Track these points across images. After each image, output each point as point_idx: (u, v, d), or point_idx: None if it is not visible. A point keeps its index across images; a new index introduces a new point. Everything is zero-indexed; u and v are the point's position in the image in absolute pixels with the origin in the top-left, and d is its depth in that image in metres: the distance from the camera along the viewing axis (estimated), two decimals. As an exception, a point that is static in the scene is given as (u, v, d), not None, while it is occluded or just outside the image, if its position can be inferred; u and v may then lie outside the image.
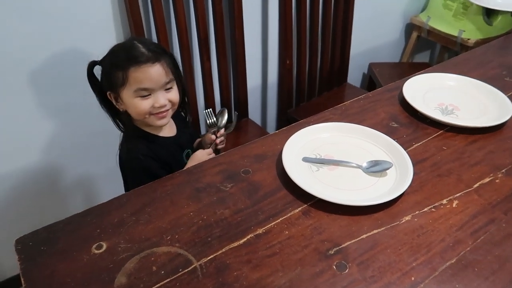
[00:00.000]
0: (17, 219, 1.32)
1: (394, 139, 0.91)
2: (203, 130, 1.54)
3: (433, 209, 0.76)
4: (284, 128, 0.97)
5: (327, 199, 0.74)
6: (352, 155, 0.87)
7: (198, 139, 1.14)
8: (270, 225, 0.72)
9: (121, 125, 0.99)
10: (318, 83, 1.79)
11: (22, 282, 0.63)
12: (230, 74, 1.53)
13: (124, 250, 0.67)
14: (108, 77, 0.89)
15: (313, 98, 1.78)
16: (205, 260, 0.66)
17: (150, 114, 0.90)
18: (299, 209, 0.75)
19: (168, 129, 1.00)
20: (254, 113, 1.68)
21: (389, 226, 0.72)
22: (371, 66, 1.99)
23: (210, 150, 1.01)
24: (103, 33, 1.22)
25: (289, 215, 0.74)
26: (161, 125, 0.95)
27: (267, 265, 0.65)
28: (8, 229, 1.31)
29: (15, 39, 1.09)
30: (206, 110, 1.07)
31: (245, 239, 0.70)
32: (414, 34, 2.06)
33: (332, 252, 0.68)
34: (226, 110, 1.08)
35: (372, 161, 0.85)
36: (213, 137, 1.05)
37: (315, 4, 1.56)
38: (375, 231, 0.71)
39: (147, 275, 0.64)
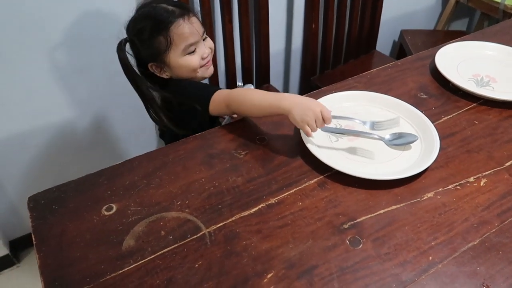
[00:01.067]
0: (41, 176, 1.35)
1: (421, 111, 0.85)
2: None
3: (458, 187, 0.71)
4: (305, 94, 0.92)
5: (345, 171, 0.71)
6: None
7: None
8: (283, 195, 0.70)
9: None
10: (345, 50, 1.70)
11: (33, 239, 0.63)
12: (252, 37, 1.47)
13: (134, 213, 0.67)
14: (147, 48, 0.84)
15: (338, 65, 1.70)
16: (214, 227, 0.64)
17: (201, 66, 0.89)
18: (315, 180, 0.72)
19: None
20: (276, 79, 1.63)
21: (409, 202, 0.68)
22: (403, 33, 1.88)
23: None
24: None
25: (303, 186, 0.71)
26: (210, 74, 0.94)
27: (278, 236, 0.63)
28: (32, 185, 1.34)
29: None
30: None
31: (256, 208, 0.67)
32: (452, 0, 1.91)
33: (346, 226, 0.65)
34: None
35: (395, 133, 0.80)
36: None
37: (345, -36, 1.46)
38: (393, 207, 0.67)
39: (155, 239, 0.63)
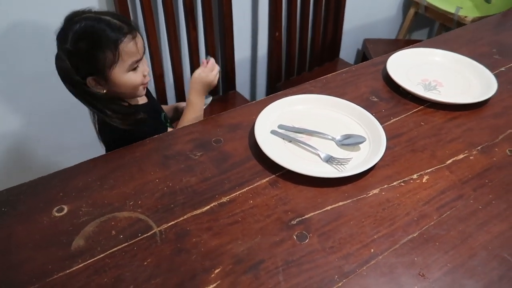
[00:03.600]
0: None
1: (371, 113, 0.89)
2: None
3: (402, 184, 0.75)
4: (262, 98, 0.95)
5: (295, 169, 0.73)
6: (327, 127, 0.85)
7: (165, 107, 1.13)
8: (235, 194, 0.71)
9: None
10: (309, 57, 1.75)
11: (-21, 241, 0.62)
12: (217, 45, 1.50)
13: (85, 214, 0.67)
14: (88, 62, 0.81)
15: (303, 72, 1.75)
16: (165, 226, 0.66)
17: (141, 84, 0.88)
18: (267, 179, 0.74)
19: (142, 98, 0.99)
20: (242, 86, 1.66)
21: (355, 198, 0.71)
22: (366, 42, 1.95)
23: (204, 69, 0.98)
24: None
25: (255, 185, 0.73)
26: (144, 93, 0.93)
27: (228, 233, 0.65)
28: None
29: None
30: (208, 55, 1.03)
31: (208, 207, 0.69)
32: (412, 10, 2.00)
33: (294, 222, 0.67)
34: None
35: (346, 134, 0.83)
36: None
37: (307, -25, 1.51)
38: (340, 203, 0.70)
39: (105, 238, 0.63)
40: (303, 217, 0.68)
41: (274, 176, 0.75)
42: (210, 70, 0.98)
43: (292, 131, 0.85)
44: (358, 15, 1.92)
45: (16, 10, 1.11)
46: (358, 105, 0.91)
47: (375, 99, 0.96)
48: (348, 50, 2.00)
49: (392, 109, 0.93)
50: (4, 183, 0.73)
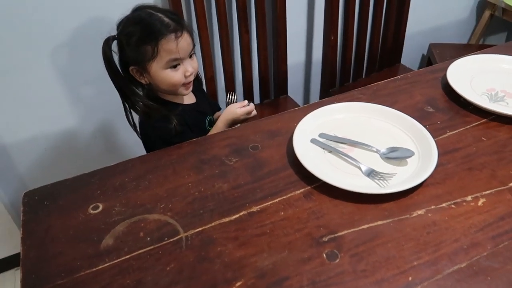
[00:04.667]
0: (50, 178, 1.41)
1: (424, 125, 0.81)
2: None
3: (452, 205, 0.67)
4: (306, 105, 0.92)
5: (331, 182, 0.69)
6: (372, 138, 0.79)
7: (218, 112, 1.12)
8: (266, 204, 0.69)
9: (136, 103, 0.92)
10: (367, 63, 1.67)
11: (21, 232, 0.66)
12: (270, 48, 1.48)
13: (118, 213, 0.68)
14: (132, 51, 0.86)
15: (359, 78, 1.67)
16: (192, 232, 0.65)
17: (182, 84, 0.90)
18: (301, 190, 0.71)
19: (189, 97, 1.00)
20: (294, 91, 1.62)
21: (396, 218, 0.65)
22: (431, 46, 1.81)
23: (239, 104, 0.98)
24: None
25: (288, 195, 0.70)
26: (187, 94, 0.95)
27: (254, 245, 0.62)
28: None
29: (49, 8, 1.13)
30: (230, 92, 1.03)
31: (237, 215, 0.67)
32: (487, 13, 1.83)
33: (326, 239, 0.63)
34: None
35: (392, 147, 0.77)
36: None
37: (367, -24, 1.44)
38: (379, 222, 0.65)
39: (133, 239, 0.64)
40: (335, 234, 0.63)
41: (309, 187, 0.71)
42: (246, 113, 0.98)
43: (333, 141, 0.80)
44: (425, 17, 1.79)
45: (80, 11, 1.17)
46: (410, 115, 0.83)
47: (431, 110, 0.88)
48: (411, 55, 1.88)
49: (449, 121, 0.85)
50: (59, 176, 0.77)
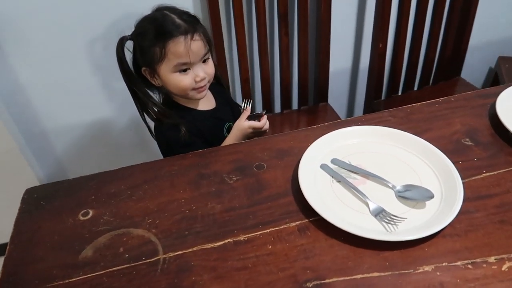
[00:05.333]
0: (84, 165, 1.46)
1: (457, 161, 0.70)
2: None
3: (469, 266, 0.57)
4: (326, 124, 0.84)
5: (329, 219, 0.61)
6: (390, 171, 0.70)
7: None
8: (255, 233, 0.63)
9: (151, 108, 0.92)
10: (420, 74, 1.53)
11: (12, 230, 0.67)
12: (312, 52, 1.40)
13: (105, 223, 0.67)
14: (143, 53, 0.84)
15: (410, 91, 1.53)
16: (171, 254, 0.61)
17: (193, 88, 0.87)
18: (297, 223, 0.64)
19: (206, 102, 0.96)
20: (335, 99, 1.52)
21: (397, 272, 0.56)
22: (500, 60, 1.61)
23: (246, 127, 0.92)
24: None
25: (282, 227, 0.64)
26: (200, 99, 0.91)
27: (231, 279, 0.57)
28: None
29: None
30: (246, 99, 0.98)
31: (221, 242, 0.62)
32: None
33: (310, 285, 0.56)
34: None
35: (409, 184, 0.67)
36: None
37: (427, -22, 1.30)
38: (375, 274, 0.56)
39: (112, 254, 0.62)
40: (323, 281, 0.56)
41: (306, 220, 0.64)
42: (253, 127, 0.92)
43: (345, 169, 0.72)
44: (495, 26, 1.60)
45: (117, 6, 1.18)
46: (442, 147, 0.73)
47: (469, 143, 0.76)
48: (475, 68, 1.68)
49: (489, 160, 0.73)
50: (92, 164, 0.78)
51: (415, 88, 1.55)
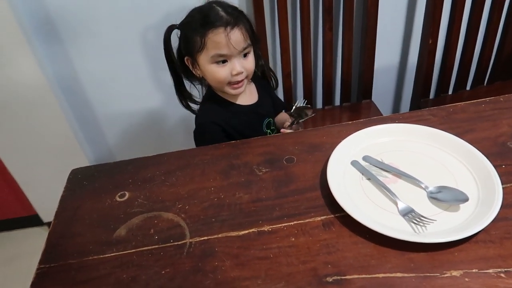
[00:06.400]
0: (132, 151, 1.54)
1: (499, 165, 0.67)
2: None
3: (502, 274, 0.54)
4: (361, 120, 0.82)
5: (354, 215, 0.61)
6: (424, 171, 0.68)
7: (281, 114, 1.07)
8: (280, 225, 0.64)
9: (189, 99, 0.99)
10: (474, 73, 1.44)
11: (57, 207, 0.73)
12: (356, 48, 1.37)
13: (139, 205, 0.71)
14: (186, 42, 0.87)
15: (461, 90, 1.45)
16: (197, 239, 0.63)
17: (228, 83, 0.88)
18: (322, 218, 0.64)
19: (248, 96, 0.97)
20: (380, 96, 1.48)
21: (422, 274, 0.55)
22: None
23: None
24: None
25: (306, 220, 0.64)
26: (235, 94, 0.92)
27: (252, 267, 0.59)
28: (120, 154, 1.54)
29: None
30: (301, 99, 0.97)
31: (246, 231, 0.64)
32: None
33: (330, 279, 0.56)
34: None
35: (443, 186, 0.64)
36: (286, 125, 0.96)
37: (485, -29, 1.22)
38: (398, 274, 0.55)
39: (142, 235, 0.65)
40: (343, 277, 0.56)
41: (332, 216, 0.64)
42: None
43: (377, 167, 0.70)
44: None
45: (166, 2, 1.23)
46: (484, 150, 0.69)
47: (515, 146, 0.72)
48: (538, 67, 1.56)
49: (536, 165, 0.68)
50: (139, 152, 0.84)
51: (468, 88, 1.46)
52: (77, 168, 0.80)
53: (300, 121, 0.94)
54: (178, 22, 0.90)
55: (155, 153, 0.81)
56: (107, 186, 0.75)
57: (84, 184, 0.77)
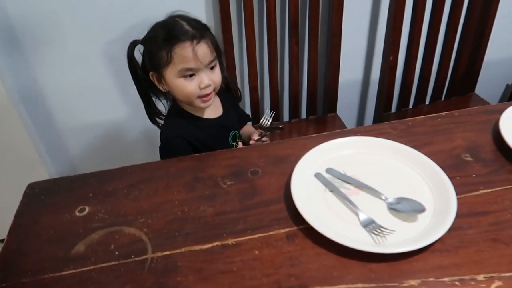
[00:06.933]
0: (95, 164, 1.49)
1: (454, 177, 0.69)
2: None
3: (457, 283, 0.56)
4: (325, 133, 0.84)
5: (317, 227, 0.61)
6: (385, 183, 0.70)
7: (246, 126, 1.08)
8: (244, 238, 0.64)
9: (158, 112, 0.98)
10: (433, 88, 1.51)
11: (12, 222, 0.69)
12: (322, 62, 1.40)
13: (99, 220, 0.68)
14: (151, 57, 0.86)
15: (421, 105, 1.51)
16: (160, 254, 0.62)
17: (198, 96, 0.87)
18: (286, 230, 0.64)
19: (213, 110, 0.97)
20: (344, 110, 1.52)
21: (382, 285, 0.56)
22: (518, 77, 1.58)
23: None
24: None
25: (270, 233, 0.64)
26: (205, 107, 0.92)
27: (215, 282, 0.58)
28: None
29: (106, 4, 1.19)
30: (269, 110, 0.99)
31: (209, 245, 0.63)
32: None
33: (293, 292, 0.56)
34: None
35: (402, 197, 0.66)
36: (254, 137, 0.97)
37: (441, -9, 1.29)
38: (359, 285, 0.56)
39: (102, 250, 0.63)
40: (305, 289, 0.56)
41: (295, 228, 0.65)
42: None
43: (339, 179, 0.72)
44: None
45: (136, 11, 1.22)
46: (440, 162, 0.72)
47: (469, 159, 0.75)
48: (491, 84, 1.65)
49: (487, 176, 0.71)
50: (103, 164, 0.81)
51: (427, 102, 1.53)
52: (34, 182, 0.77)
53: (268, 133, 0.95)
54: (140, 35, 0.89)
55: (119, 166, 0.79)
56: (67, 201, 0.73)
57: (41, 198, 0.74)
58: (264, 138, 0.96)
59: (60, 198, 0.73)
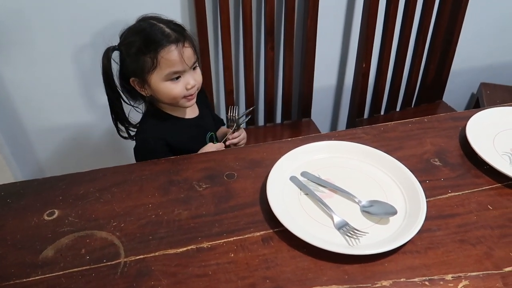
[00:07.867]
0: (63, 167, 1.45)
1: (424, 180, 0.72)
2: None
3: (426, 283, 0.57)
4: (300, 137, 0.85)
5: (293, 230, 0.62)
6: (358, 186, 0.71)
7: (220, 129, 1.08)
8: (219, 241, 0.63)
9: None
10: (403, 96, 1.55)
11: (-25, 227, 0.66)
12: (297, 68, 1.42)
13: (69, 224, 0.66)
14: (132, 62, 0.84)
15: (392, 111, 1.56)
16: (133, 258, 0.61)
17: (183, 97, 0.87)
18: (261, 233, 0.65)
19: (191, 109, 0.97)
20: (319, 115, 1.54)
21: (355, 285, 0.57)
22: (482, 86, 1.65)
23: (220, 145, 0.95)
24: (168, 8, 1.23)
25: (246, 236, 0.64)
26: (190, 106, 0.91)
27: (189, 285, 0.57)
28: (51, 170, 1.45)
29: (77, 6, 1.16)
30: (232, 106, 1.00)
31: (184, 249, 0.62)
32: (552, 57, 1.63)
33: (268, 294, 0.56)
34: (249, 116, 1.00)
35: (374, 200, 0.68)
36: (229, 135, 0.97)
37: (411, 2, 1.33)
38: (334, 286, 0.57)
39: (72, 255, 0.61)
40: (281, 291, 0.56)
41: (271, 231, 0.65)
42: (216, 148, 0.94)
43: (314, 182, 0.73)
44: (478, 53, 1.64)
45: (105, 14, 1.19)
46: (411, 166, 0.74)
47: (438, 163, 0.78)
48: (457, 93, 1.72)
49: (455, 180, 0.74)
50: (72, 166, 0.78)
51: (398, 109, 1.57)
52: (0, 185, 0.74)
53: (241, 126, 0.96)
54: (112, 37, 0.86)
55: (88, 169, 0.77)
56: (34, 204, 0.70)
57: (7, 202, 0.71)
58: (237, 133, 0.97)
59: (27, 202, 0.71)
